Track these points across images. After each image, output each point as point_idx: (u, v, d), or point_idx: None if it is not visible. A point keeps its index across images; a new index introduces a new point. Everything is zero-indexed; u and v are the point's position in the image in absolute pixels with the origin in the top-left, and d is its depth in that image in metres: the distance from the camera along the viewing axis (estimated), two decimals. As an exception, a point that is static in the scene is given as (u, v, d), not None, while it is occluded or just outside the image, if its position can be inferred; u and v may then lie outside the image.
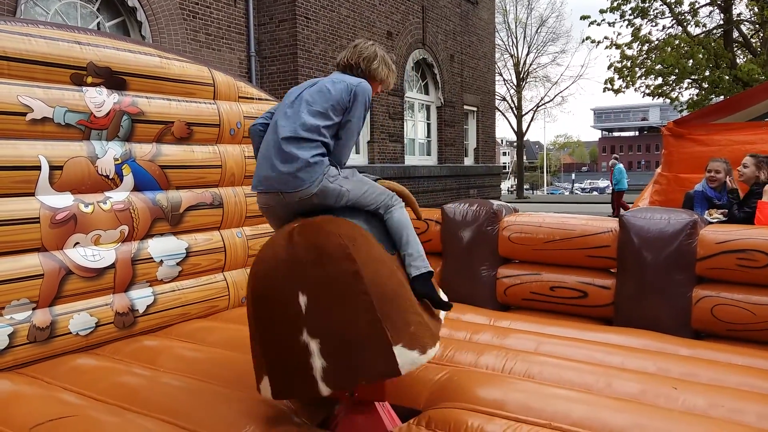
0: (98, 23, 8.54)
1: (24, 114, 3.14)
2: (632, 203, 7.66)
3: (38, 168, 3.20)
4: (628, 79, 16.43)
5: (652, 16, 16.51)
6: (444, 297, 2.71)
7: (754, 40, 16.89)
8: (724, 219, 4.55)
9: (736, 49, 16.60)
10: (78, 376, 2.96)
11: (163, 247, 3.83)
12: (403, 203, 2.65)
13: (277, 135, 2.43)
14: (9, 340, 3.04)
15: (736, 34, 16.35)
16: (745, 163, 4.75)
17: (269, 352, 2.24)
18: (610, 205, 16.53)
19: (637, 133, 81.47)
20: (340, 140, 2.52)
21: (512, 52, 34.82)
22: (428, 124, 15.39)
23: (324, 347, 2.12)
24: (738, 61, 16.24)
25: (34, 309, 3.18)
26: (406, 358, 2.16)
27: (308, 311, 2.14)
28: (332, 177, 2.42)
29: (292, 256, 2.20)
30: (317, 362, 2.13)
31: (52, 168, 3.26)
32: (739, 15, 16.60)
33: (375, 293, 2.16)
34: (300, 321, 2.14)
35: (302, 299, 2.14)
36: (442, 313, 2.67)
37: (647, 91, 17.07)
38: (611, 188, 17.54)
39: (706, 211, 4.71)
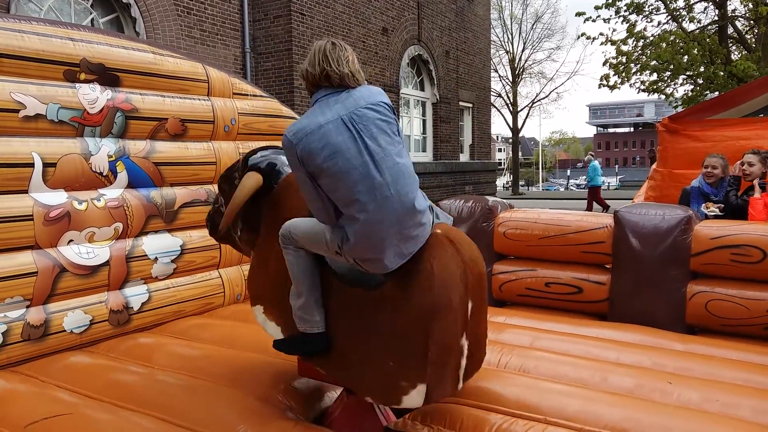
0: (92, 19, 8.50)
1: (17, 111, 3.13)
2: (632, 199, 7.70)
3: (31, 165, 3.18)
4: (624, 75, 16.43)
5: (647, 12, 16.52)
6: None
7: (748, 36, 16.93)
8: (721, 213, 4.55)
9: (730, 45, 16.63)
10: (72, 374, 2.95)
11: (158, 244, 3.81)
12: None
13: (401, 199, 2.13)
14: (3, 338, 3.03)
15: (731, 30, 16.38)
16: (751, 161, 4.69)
17: (437, 355, 2.19)
18: (587, 201, 16.66)
19: (632, 129, 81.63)
20: None
21: (508, 49, 34.81)
22: (424, 121, 15.38)
23: (470, 347, 2.29)
24: (733, 57, 16.28)
25: (27, 307, 3.16)
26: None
27: (471, 315, 2.28)
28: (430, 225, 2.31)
29: (461, 266, 2.23)
30: (464, 362, 2.27)
31: (46, 165, 3.24)
32: (733, 11, 16.63)
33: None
34: (466, 325, 2.25)
35: (470, 305, 2.26)
36: None
37: (642, 87, 17.08)
38: (586, 185, 17.76)
39: (703, 205, 4.71)
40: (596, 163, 16.74)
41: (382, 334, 2.22)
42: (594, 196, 16.18)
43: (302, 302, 2.36)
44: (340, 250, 2.20)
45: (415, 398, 2.20)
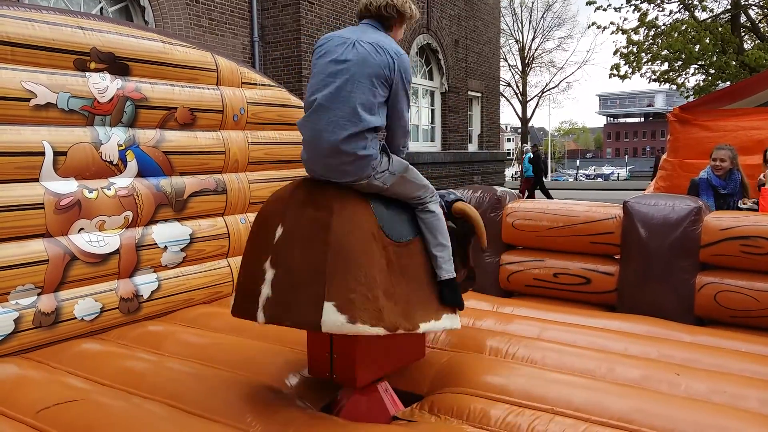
0: (101, 8, 8.51)
1: (28, 100, 3.14)
2: (644, 190, 7.69)
3: (42, 154, 3.20)
4: (634, 64, 16.31)
5: (658, 1, 16.35)
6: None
7: (762, 25, 16.73)
8: (756, 207, 4.57)
9: (743, 34, 16.44)
10: (83, 360, 2.98)
11: (168, 233, 3.84)
12: (436, 200, 2.64)
13: (324, 122, 2.34)
14: (15, 325, 3.07)
15: (743, 18, 16.19)
16: (722, 157, 4.82)
17: (242, 271, 2.45)
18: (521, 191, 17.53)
19: (642, 119, 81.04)
20: (391, 124, 2.46)
21: (517, 37, 34.60)
22: (432, 110, 15.33)
23: (276, 279, 2.29)
24: (745, 46, 16.10)
25: (39, 294, 3.19)
26: (330, 317, 2.18)
27: (278, 243, 2.32)
28: (379, 174, 2.40)
29: (290, 194, 2.43)
30: (265, 290, 2.30)
31: (56, 154, 3.26)
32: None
33: (334, 249, 2.24)
34: (269, 249, 2.34)
35: (279, 231, 2.34)
36: (449, 322, 2.64)
37: (653, 76, 16.95)
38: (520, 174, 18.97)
39: (740, 201, 4.73)
40: (530, 155, 17.79)
41: None
42: (525, 185, 17.19)
43: (449, 251, 2.60)
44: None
45: (231, 304, 2.49)
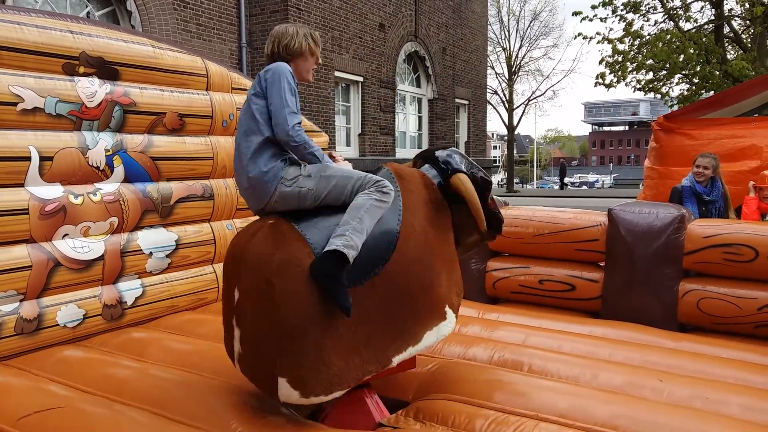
0: (87, 12, 8.47)
1: (15, 104, 3.12)
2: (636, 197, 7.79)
3: (28, 159, 3.17)
4: (620, 73, 16.46)
5: (643, 11, 16.55)
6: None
7: (744, 36, 16.98)
8: None
9: (726, 44, 16.67)
10: (66, 367, 2.95)
11: (153, 238, 3.82)
12: (378, 188, 2.37)
13: (236, 165, 2.56)
14: (-3, 332, 3.03)
15: (727, 29, 16.42)
16: (706, 165, 4.92)
17: (224, 310, 2.48)
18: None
19: (627, 127, 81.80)
20: (270, 110, 2.44)
21: (504, 46, 34.79)
22: (419, 117, 15.39)
23: (242, 338, 2.32)
24: (729, 56, 16.32)
25: (21, 300, 3.16)
26: (284, 392, 2.19)
27: (238, 304, 2.32)
28: (289, 180, 2.38)
29: (242, 253, 2.34)
30: (237, 346, 2.36)
31: (42, 159, 3.23)
32: (730, 11, 16.67)
33: (278, 325, 2.17)
34: (233, 308, 2.36)
35: (236, 293, 2.33)
36: (433, 337, 2.48)
37: (638, 86, 17.11)
38: None
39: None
40: None
41: None
42: None
43: (362, 231, 2.28)
44: None
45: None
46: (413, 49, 14.35)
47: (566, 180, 40.46)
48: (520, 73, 35.33)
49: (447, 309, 2.54)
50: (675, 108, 15.62)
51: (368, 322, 2.28)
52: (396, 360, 2.38)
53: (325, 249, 2.20)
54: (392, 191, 2.42)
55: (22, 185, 3.18)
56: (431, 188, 2.64)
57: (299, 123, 2.42)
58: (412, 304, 2.41)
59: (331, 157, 2.64)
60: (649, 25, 17.65)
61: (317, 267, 2.17)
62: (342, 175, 2.41)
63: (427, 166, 2.76)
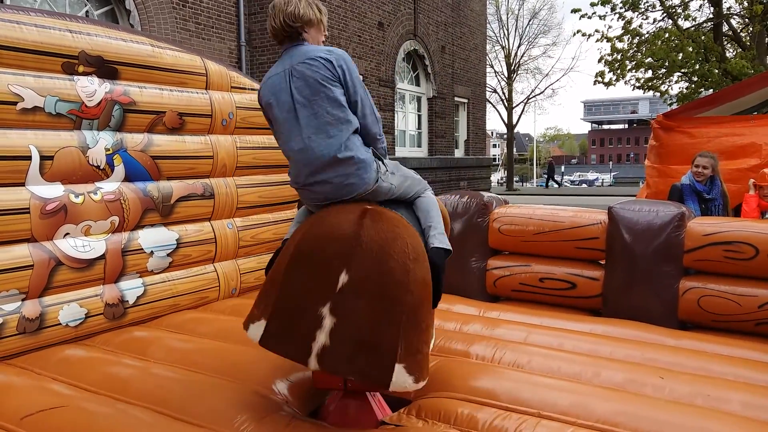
0: (86, 11, 8.46)
1: (15, 103, 3.12)
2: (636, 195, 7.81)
3: (28, 158, 3.17)
4: (619, 72, 16.48)
5: (642, 9, 16.56)
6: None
7: (743, 34, 17.00)
8: None
9: (725, 42, 16.70)
10: (68, 367, 2.95)
11: (154, 237, 3.82)
12: (432, 191, 2.75)
13: (314, 156, 2.37)
14: (-2, 331, 3.04)
15: (726, 27, 16.44)
16: (705, 165, 4.94)
17: (284, 303, 2.23)
18: None
19: (626, 125, 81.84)
20: (361, 121, 2.45)
21: (503, 44, 34.80)
22: (419, 116, 15.39)
23: (336, 329, 2.12)
24: (727, 54, 16.34)
25: (23, 300, 3.16)
26: (400, 378, 2.13)
27: (342, 290, 2.14)
28: (383, 174, 2.45)
29: (355, 235, 2.19)
30: (321, 337, 2.12)
31: (43, 158, 3.24)
32: (729, 9, 16.70)
33: (408, 312, 2.16)
34: (329, 294, 2.14)
35: (343, 277, 2.14)
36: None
37: (637, 84, 17.15)
38: None
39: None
40: None
41: None
42: None
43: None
44: None
45: (255, 330, 2.28)
46: (412, 48, 14.34)
47: (557, 179, 40.36)
48: (519, 72, 35.36)
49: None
50: (674, 106, 15.65)
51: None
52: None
53: (441, 246, 2.49)
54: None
55: (22, 184, 3.18)
56: None
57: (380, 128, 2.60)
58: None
59: None
60: (648, 23, 17.69)
61: (439, 261, 2.45)
62: (412, 176, 2.65)
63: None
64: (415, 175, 2.68)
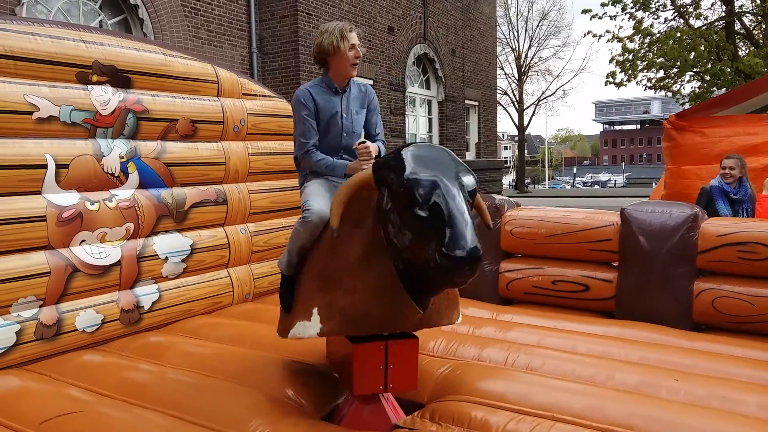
0: (100, 21, 8.56)
1: (30, 113, 3.17)
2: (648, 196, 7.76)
3: (44, 166, 3.22)
4: (630, 72, 16.36)
5: (653, 9, 16.45)
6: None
7: (756, 32, 16.84)
8: None
9: (738, 41, 16.54)
10: (85, 372, 2.99)
11: (168, 244, 3.86)
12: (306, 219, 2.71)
13: None
14: (16, 338, 3.08)
15: (738, 26, 16.30)
16: (732, 166, 4.92)
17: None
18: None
19: (638, 126, 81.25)
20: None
21: (514, 46, 34.75)
22: (429, 119, 15.38)
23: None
24: (740, 53, 16.19)
25: (41, 306, 3.21)
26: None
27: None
28: None
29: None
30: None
31: (59, 166, 3.28)
32: (741, 7, 16.54)
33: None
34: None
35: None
36: None
37: (649, 84, 17.00)
38: None
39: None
40: None
41: None
42: None
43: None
44: None
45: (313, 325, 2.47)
46: (422, 51, 14.35)
47: (578, 179, 40.09)
48: (529, 74, 35.29)
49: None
50: (687, 106, 15.52)
51: None
52: None
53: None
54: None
55: (39, 193, 3.23)
56: None
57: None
58: None
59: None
60: (659, 22, 17.57)
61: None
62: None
63: None
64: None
